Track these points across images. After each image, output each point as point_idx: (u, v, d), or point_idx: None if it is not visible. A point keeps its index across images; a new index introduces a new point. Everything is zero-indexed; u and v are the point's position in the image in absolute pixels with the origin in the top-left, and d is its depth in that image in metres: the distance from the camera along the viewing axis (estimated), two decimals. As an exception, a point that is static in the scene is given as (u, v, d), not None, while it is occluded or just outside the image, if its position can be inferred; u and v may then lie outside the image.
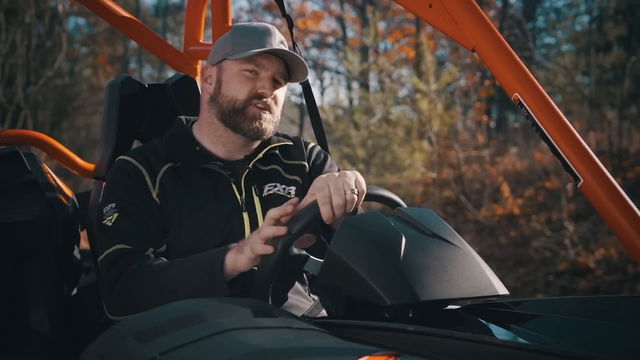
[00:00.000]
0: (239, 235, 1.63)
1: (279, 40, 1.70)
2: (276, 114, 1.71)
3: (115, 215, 1.60)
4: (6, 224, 1.95)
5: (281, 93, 1.72)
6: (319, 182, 1.40)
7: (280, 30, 1.74)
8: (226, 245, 1.48)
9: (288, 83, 1.77)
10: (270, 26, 1.72)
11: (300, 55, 1.97)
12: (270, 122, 1.69)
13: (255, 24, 1.76)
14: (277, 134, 1.83)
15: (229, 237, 1.62)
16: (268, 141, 1.78)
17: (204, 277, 1.44)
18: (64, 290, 2.10)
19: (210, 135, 1.73)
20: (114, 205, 1.62)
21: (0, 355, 1.93)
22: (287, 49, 1.70)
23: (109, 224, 1.60)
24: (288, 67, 1.72)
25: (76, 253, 2.17)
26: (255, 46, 1.65)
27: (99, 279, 1.65)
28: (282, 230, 1.35)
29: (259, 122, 1.66)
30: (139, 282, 1.51)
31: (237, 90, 1.66)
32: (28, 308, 2.00)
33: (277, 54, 1.67)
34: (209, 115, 1.72)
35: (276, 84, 1.69)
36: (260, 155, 1.74)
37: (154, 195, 1.63)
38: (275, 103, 1.70)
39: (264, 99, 1.66)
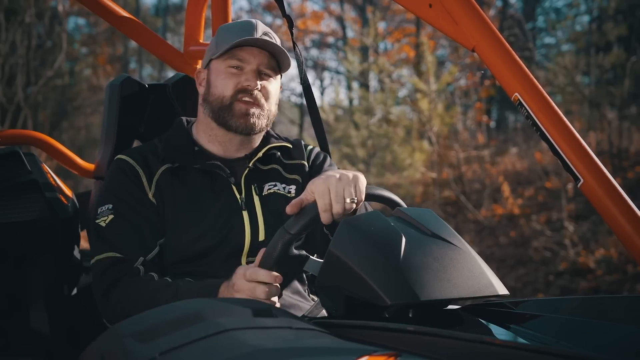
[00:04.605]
0: (239, 234, 1.64)
1: (261, 33, 1.68)
2: (266, 107, 1.69)
3: (110, 217, 1.61)
4: (6, 224, 1.95)
5: (272, 86, 1.70)
6: (319, 186, 1.37)
7: (280, 30, 1.74)
8: (220, 279, 1.45)
9: (281, 77, 1.76)
10: (253, 20, 1.71)
11: (300, 55, 1.98)
12: (260, 117, 1.68)
13: (239, 21, 1.75)
14: (277, 135, 1.83)
15: (228, 236, 1.63)
16: (268, 141, 1.78)
17: None
18: (64, 290, 2.10)
19: (207, 135, 1.73)
20: (110, 206, 1.63)
21: (0, 355, 1.93)
22: (271, 40, 1.67)
23: (103, 224, 1.61)
24: (278, 60, 1.71)
25: (76, 253, 2.17)
26: (235, 41, 1.65)
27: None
28: (270, 277, 1.33)
29: (247, 118, 1.66)
30: (132, 297, 1.51)
31: (223, 87, 1.67)
32: (28, 308, 2.00)
33: (258, 45, 1.66)
34: (203, 116, 1.73)
35: (263, 76, 1.68)
36: (260, 154, 1.73)
37: (150, 195, 1.64)
38: (265, 96, 1.68)
39: (250, 92, 1.65)
